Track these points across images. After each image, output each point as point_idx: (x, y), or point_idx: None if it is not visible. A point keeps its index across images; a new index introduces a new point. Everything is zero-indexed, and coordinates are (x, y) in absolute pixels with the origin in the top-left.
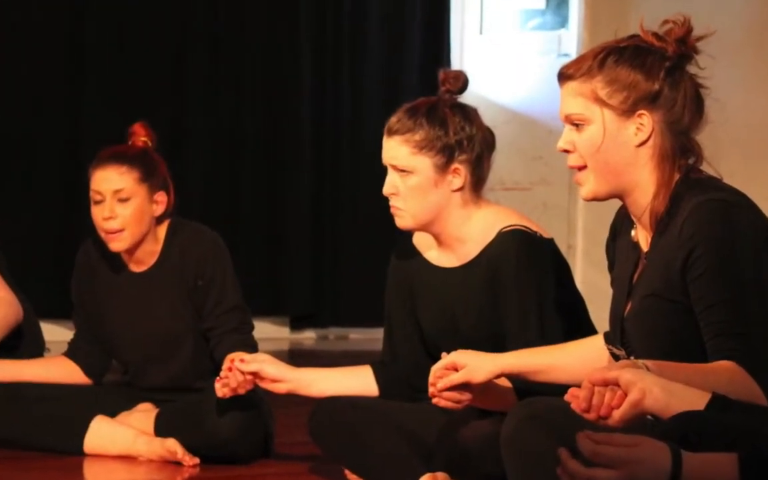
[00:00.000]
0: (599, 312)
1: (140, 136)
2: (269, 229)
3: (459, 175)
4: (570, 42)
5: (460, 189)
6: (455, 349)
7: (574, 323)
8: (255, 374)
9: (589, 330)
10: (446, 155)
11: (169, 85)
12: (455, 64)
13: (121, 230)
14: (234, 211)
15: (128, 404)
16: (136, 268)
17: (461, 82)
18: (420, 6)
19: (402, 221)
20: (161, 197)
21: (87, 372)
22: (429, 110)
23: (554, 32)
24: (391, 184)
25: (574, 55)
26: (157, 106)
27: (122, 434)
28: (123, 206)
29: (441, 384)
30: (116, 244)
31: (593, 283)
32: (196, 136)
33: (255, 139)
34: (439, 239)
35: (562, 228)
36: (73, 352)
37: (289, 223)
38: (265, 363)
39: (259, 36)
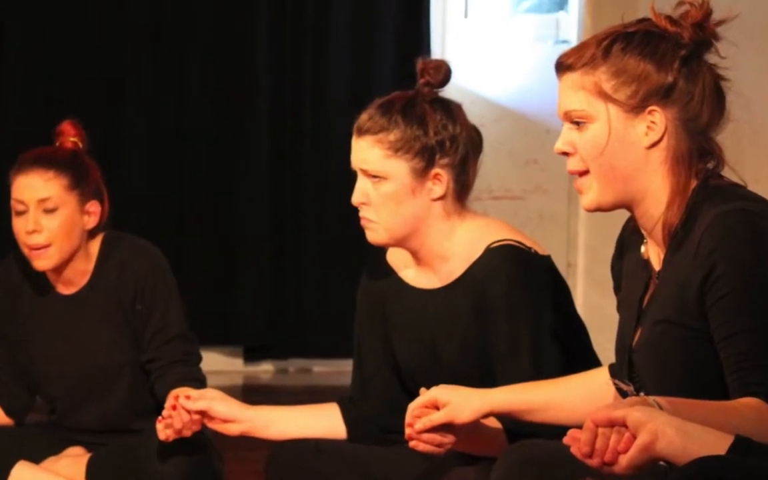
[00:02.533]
0: (604, 341)
1: (69, 136)
2: (220, 245)
3: (440, 181)
4: (569, 27)
5: (442, 198)
6: (436, 383)
7: (574, 353)
8: (203, 413)
9: (591, 361)
10: (425, 158)
11: (103, 80)
12: (436, 53)
13: (47, 246)
14: (179, 225)
15: (55, 448)
16: (65, 290)
17: (443, 73)
18: None
19: (374, 235)
20: (94, 207)
21: (7, 410)
22: (405, 106)
23: (551, 15)
24: (362, 192)
25: (574, 42)
26: (90, 103)
27: None
28: (49, 218)
29: (419, 425)
30: (41, 262)
31: (596, 307)
32: (135, 139)
33: (204, 144)
34: (417, 256)
35: (560, 243)
36: None
37: (243, 240)
38: (214, 400)
39: (208, 21)
